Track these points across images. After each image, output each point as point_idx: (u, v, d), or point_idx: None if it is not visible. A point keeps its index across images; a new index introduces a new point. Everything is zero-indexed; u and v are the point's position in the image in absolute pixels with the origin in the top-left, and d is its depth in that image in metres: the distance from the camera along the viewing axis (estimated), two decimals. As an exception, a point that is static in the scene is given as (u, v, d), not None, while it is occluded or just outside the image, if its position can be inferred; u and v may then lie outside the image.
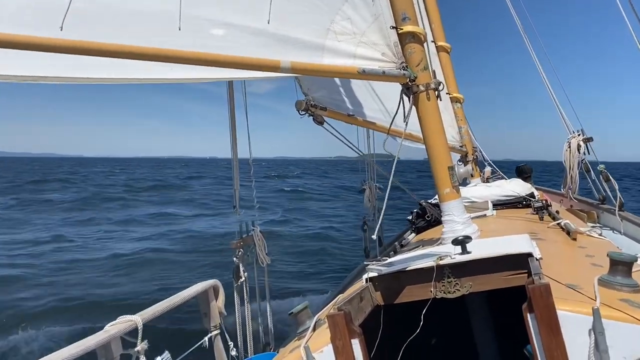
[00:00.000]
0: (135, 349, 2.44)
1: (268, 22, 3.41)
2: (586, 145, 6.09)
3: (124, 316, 2.50)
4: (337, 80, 5.40)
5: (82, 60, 2.83)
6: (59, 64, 2.98)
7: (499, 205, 5.53)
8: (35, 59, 2.74)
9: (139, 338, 2.48)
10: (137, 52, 2.68)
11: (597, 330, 1.93)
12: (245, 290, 4.39)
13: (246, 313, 4.36)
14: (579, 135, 6.21)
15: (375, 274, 2.69)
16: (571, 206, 6.29)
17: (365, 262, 3.96)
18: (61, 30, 2.84)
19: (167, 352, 2.72)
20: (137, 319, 2.46)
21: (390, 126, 3.87)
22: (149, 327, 2.59)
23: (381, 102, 6.00)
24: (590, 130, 6.54)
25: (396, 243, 6.55)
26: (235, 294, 4.34)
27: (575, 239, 3.71)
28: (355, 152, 5.70)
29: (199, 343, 3.24)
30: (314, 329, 2.52)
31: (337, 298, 2.90)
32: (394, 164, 3.58)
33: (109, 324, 2.47)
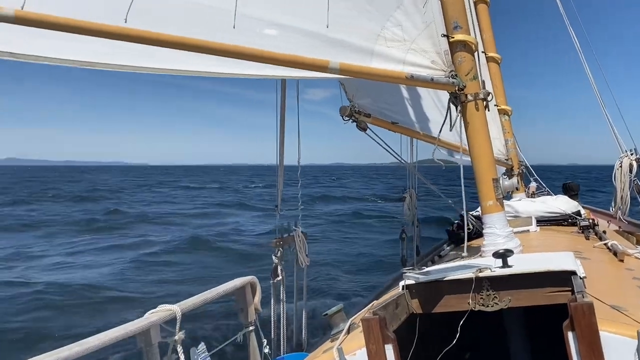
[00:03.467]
0: (173, 338, 2.50)
1: (327, 27, 3.45)
2: (639, 165, 5.85)
3: (164, 305, 2.57)
4: (383, 87, 5.39)
5: (144, 49, 2.95)
6: (122, 52, 3.10)
7: (543, 221, 5.39)
8: (102, 46, 2.87)
9: (177, 327, 2.54)
10: (197, 44, 2.77)
11: None
12: (282, 289, 4.44)
13: (281, 312, 4.40)
14: (631, 154, 5.98)
15: (412, 282, 2.67)
16: (620, 227, 6.06)
17: (402, 270, 3.93)
18: (125, 22, 2.96)
19: (202, 343, 2.78)
20: (176, 309, 2.52)
21: (439, 136, 3.84)
22: (186, 317, 2.65)
23: (427, 111, 5.96)
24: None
25: (434, 253, 6.48)
26: (271, 293, 4.39)
27: (622, 261, 3.58)
28: (397, 159, 5.67)
29: (234, 338, 3.28)
30: (348, 332, 2.52)
31: (372, 303, 2.89)
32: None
33: (149, 312, 2.54)
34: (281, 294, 4.45)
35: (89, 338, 2.06)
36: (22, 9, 2.70)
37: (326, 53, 3.50)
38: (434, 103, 5.99)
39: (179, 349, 2.52)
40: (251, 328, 3.37)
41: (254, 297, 3.40)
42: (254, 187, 63.16)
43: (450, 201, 6.06)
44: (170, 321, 2.55)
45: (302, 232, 4.70)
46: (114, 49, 3.00)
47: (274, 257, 4.42)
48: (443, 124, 3.59)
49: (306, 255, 4.68)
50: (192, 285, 11.27)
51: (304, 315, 4.80)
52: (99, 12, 2.94)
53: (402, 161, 5.83)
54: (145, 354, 2.40)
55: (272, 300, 4.37)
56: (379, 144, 5.11)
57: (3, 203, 34.79)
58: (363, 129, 5.06)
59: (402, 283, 2.70)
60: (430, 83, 3.50)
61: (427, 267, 3.16)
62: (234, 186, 65.11)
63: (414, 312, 2.67)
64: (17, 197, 40.74)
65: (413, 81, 3.45)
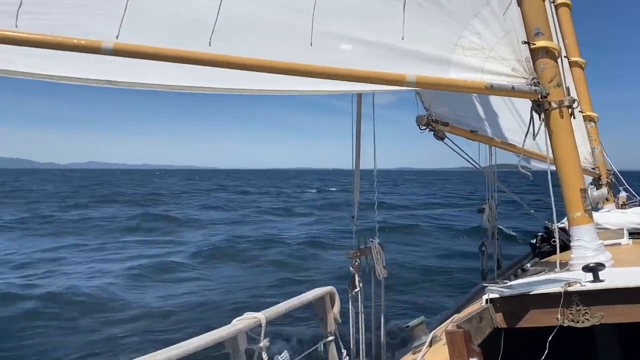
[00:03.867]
0: (259, 345, 2.58)
1: (402, 39, 3.48)
2: None
3: (249, 313, 2.66)
4: (461, 96, 5.32)
5: (225, 73, 3.12)
6: (206, 76, 3.29)
7: (636, 234, 5.06)
8: (189, 70, 3.07)
9: (262, 335, 2.62)
10: (275, 66, 2.89)
11: None
12: (360, 300, 4.46)
13: (360, 323, 4.42)
14: None
15: (497, 296, 2.61)
16: None
17: (483, 284, 3.84)
18: (209, 45, 3.15)
19: (286, 351, 2.85)
20: (261, 317, 2.61)
21: (524, 145, 3.74)
22: (269, 325, 2.73)
23: (503, 118, 5.82)
24: None
25: (516, 267, 6.24)
26: (350, 303, 4.42)
27: None
28: (476, 168, 5.55)
29: (314, 347, 3.33)
30: (430, 345, 2.51)
31: (453, 317, 2.85)
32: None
33: (236, 319, 2.64)
34: (359, 305, 4.47)
35: (185, 342, 2.19)
36: (116, 38, 2.96)
37: (402, 64, 3.52)
38: (509, 110, 5.84)
39: (264, 356, 2.59)
40: (331, 338, 3.41)
41: (332, 307, 3.45)
42: (309, 191, 64.05)
43: (533, 211, 5.84)
44: (255, 328, 2.63)
45: (378, 243, 4.71)
46: (200, 73, 3.19)
47: (351, 269, 4.45)
48: (527, 133, 3.49)
49: (383, 267, 4.67)
50: (221, 295, 11.63)
51: (382, 327, 4.79)
52: (185, 39, 3.15)
53: (482, 170, 5.70)
54: (232, 359, 2.49)
55: (350, 311, 4.40)
56: (457, 153, 5.03)
57: (66, 206, 37.38)
58: (441, 138, 5.01)
59: (485, 296, 2.65)
60: (511, 92, 3.42)
61: (509, 280, 3.08)
62: (290, 191, 65.98)
63: (499, 326, 2.61)
64: (79, 200, 43.37)
65: (493, 91, 3.39)
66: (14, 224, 26.16)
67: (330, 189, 70.88)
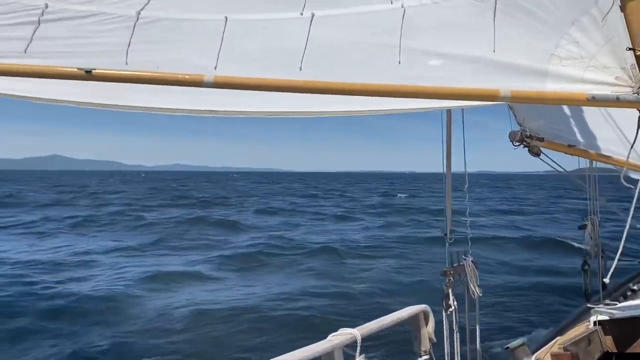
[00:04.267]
0: (355, 362, 2.61)
1: (494, 51, 3.41)
2: None
3: (345, 329, 2.70)
4: (558, 108, 5.09)
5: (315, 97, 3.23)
6: (299, 101, 3.43)
7: None
8: (283, 97, 3.21)
9: (357, 351, 2.65)
10: (364, 89, 2.94)
11: None
12: (454, 320, 4.35)
13: (455, 343, 4.30)
14: None
15: (606, 318, 2.46)
16: None
17: (588, 305, 3.61)
18: (300, 70, 3.27)
19: (380, 368, 2.85)
20: (356, 333, 2.64)
21: (628, 157, 3.52)
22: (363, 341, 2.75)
23: (603, 128, 5.48)
24: None
25: (625, 287, 5.80)
26: (444, 322, 4.32)
27: None
28: (577, 184, 5.26)
29: (409, 366, 3.31)
30: None
31: (556, 339, 2.71)
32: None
33: (331, 334, 2.69)
34: (454, 324, 4.36)
35: (283, 355, 2.27)
36: (215, 69, 3.16)
37: (494, 78, 3.43)
38: (604, 118, 5.49)
39: (361, 372, 2.62)
40: (425, 357, 3.37)
41: (427, 325, 3.40)
42: (400, 195, 63.41)
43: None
44: (350, 344, 2.67)
45: (472, 261, 4.58)
46: (293, 98, 3.31)
47: (445, 287, 4.36)
48: (632, 145, 3.28)
49: (477, 285, 4.53)
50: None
51: (478, 347, 4.63)
52: (277, 66, 3.30)
53: (584, 187, 5.40)
54: None
55: (444, 330, 4.30)
56: (555, 169, 4.80)
57: (136, 208, 39.54)
58: (536, 154, 4.82)
59: (593, 318, 2.51)
60: (616, 102, 3.23)
61: (618, 302, 2.88)
62: (356, 194, 65.25)
63: (609, 350, 2.45)
64: (145, 204, 45.76)
65: (595, 102, 3.22)
66: (69, 223, 28.54)
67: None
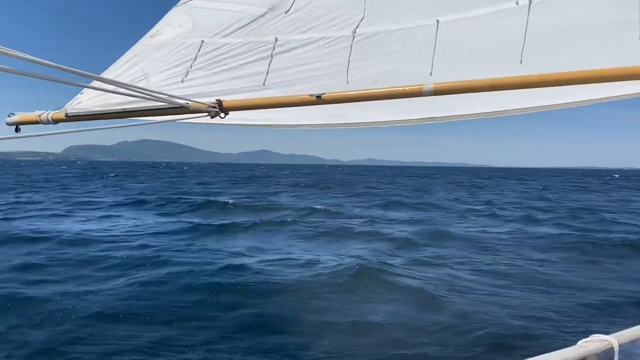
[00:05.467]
0: (613, 373, 2.45)
1: None
2: None
3: (597, 335, 2.54)
4: None
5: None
6: (517, 97, 3.26)
7: None
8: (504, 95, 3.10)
9: (616, 361, 2.47)
10: (606, 75, 2.64)
11: None
12: None
13: None
14: None
15: None
16: None
17: None
18: (520, 63, 3.12)
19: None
20: (613, 340, 2.46)
21: None
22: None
23: None
24: None
25: None
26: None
27: None
28: None
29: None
30: None
31: None
32: None
33: (582, 340, 2.55)
34: None
35: (532, 358, 2.24)
36: (430, 75, 3.19)
37: None
38: None
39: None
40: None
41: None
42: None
43: None
44: (605, 353, 2.50)
45: None
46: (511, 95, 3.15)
47: None
48: None
49: None
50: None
51: None
52: (495, 62, 3.18)
53: None
54: None
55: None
56: None
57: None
58: None
59: None
60: None
61: None
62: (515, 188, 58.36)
63: None
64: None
65: None
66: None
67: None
